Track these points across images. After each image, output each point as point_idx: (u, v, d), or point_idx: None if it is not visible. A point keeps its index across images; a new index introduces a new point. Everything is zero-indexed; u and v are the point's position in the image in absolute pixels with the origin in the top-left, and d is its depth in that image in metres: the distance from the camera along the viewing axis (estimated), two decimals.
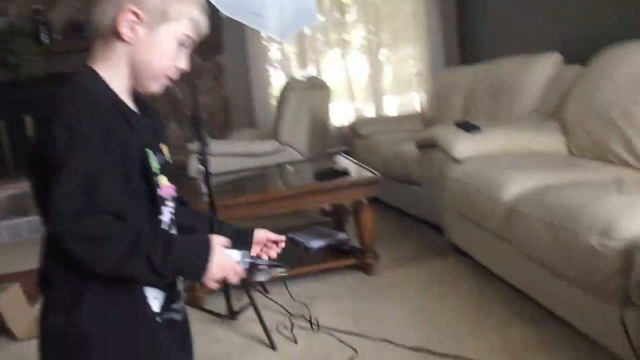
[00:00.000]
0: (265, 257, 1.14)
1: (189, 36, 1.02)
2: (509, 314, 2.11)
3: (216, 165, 3.59)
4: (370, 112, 5.03)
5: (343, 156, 3.29)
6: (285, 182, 2.73)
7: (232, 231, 1.14)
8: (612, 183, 1.85)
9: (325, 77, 4.78)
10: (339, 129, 4.92)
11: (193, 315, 2.44)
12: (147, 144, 0.99)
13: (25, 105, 4.69)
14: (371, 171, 2.64)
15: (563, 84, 2.92)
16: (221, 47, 4.97)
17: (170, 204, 1.06)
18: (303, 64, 4.95)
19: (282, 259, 1.14)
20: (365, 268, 2.63)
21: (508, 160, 2.40)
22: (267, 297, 2.55)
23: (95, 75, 0.97)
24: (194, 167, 3.32)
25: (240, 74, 4.95)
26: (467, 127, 2.60)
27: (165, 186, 1.02)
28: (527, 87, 3.09)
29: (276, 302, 2.46)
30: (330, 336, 2.11)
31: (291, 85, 4.10)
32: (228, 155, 3.79)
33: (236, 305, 2.33)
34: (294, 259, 2.78)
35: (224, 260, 0.99)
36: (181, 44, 1.02)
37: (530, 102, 3.06)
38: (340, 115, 5.02)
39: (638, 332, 1.47)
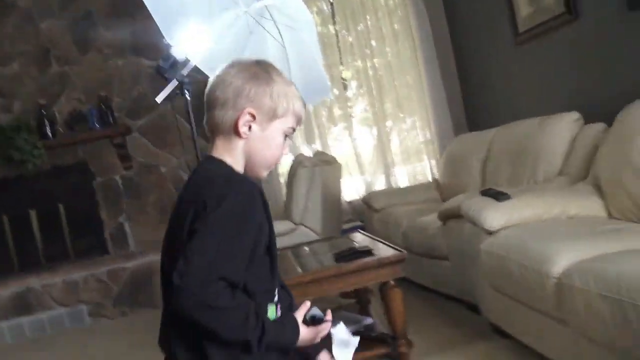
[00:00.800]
0: None
1: (293, 128, 1.21)
2: None
3: None
4: (380, 185, 4.89)
5: (361, 232, 3.11)
6: (303, 266, 2.53)
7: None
8: None
9: (332, 153, 4.68)
10: (350, 203, 4.77)
11: None
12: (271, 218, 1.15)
13: (30, 200, 4.60)
14: (394, 247, 2.44)
15: (587, 143, 2.78)
16: None
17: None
18: (309, 140, 4.87)
19: None
20: (399, 357, 2.37)
21: (546, 228, 2.21)
22: None
23: (223, 162, 1.16)
24: None
25: None
26: (495, 195, 2.42)
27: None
28: (549, 148, 2.94)
29: None
30: None
31: (300, 161, 3.98)
32: None
33: None
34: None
35: (307, 334, 1.14)
36: (286, 135, 1.20)
37: (555, 165, 2.90)
38: (350, 189, 4.88)
39: None
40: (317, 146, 4.84)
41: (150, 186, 4.79)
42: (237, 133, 1.16)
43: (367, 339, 2.50)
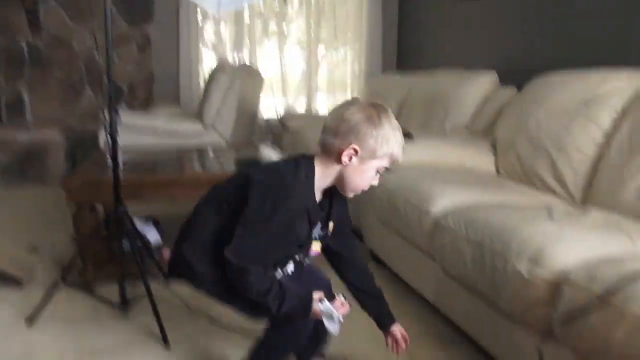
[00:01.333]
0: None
1: (386, 168, 1.40)
2: (420, 332, 2.03)
3: (131, 140, 3.31)
4: (300, 109, 4.88)
5: (268, 147, 3.11)
6: (204, 166, 2.52)
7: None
8: (542, 208, 1.81)
9: (259, 67, 4.58)
10: (268, 121, 4.74)
11: (80, 301, 2.19)
12: (316, 221, 1.42)
13: None
14: None
15: (497, 104, 2.92)
16: (151, 15, 4.64)
17: (307, 260, 1.51)
18: (238, 49, 4.72)
19: None
20: None
21: (438, 173, 2.34)
22: (167, 288, 2.32)
23: (312, 172, 1.37)
24: (103, 138, 3.01)
25: (169, 50, 4.65)
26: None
27: (314, 250, 1.48)
28: (462, 102, 3.07)
29: (177, 296, 2.24)
30: (232, 334, 1.93)
31: (223, 67, 3.87)
32: (146, 131, 3.51)
33: (130, 294, 2.09)
34: None
35: (316, 310, 1.40)
36: (378, 172, 1.40)
37: (464, 118, 3.04)
38: (270, 108, 4.83)
39: None
40: (245, 56, 4.71)
41: (59, 60, 4.47)
42: (339, 159, 1.35)
43: None
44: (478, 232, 1.69)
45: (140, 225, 2.62)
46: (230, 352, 1.78)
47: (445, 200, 1.99)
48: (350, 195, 1.43)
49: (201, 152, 2.87)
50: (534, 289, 1.43)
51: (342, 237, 1.58)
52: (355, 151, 1.33)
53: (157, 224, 2.76)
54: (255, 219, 1.31)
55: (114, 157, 1.94)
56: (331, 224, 1.49)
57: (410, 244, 2.20)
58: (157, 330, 1.90)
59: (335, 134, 1.34)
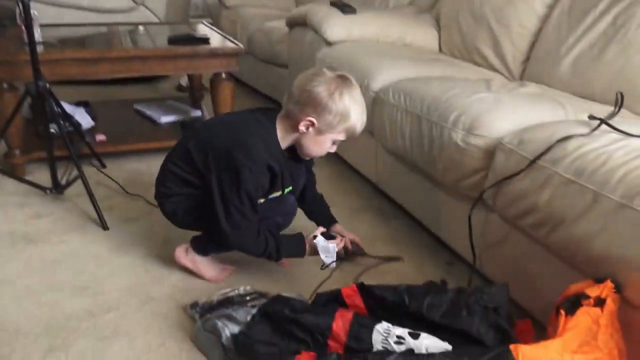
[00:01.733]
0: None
1: (343, 140, 1.45)
2: (360, 207, 2.08)
3: (53, 16, 3.03)
4: None
5: (204, 24, 2.93)
6: (134, 43, 2.34)
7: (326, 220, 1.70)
8: (481, 81, 1.80)
9: None
10: None
11: (10, 186, 2.10)
12: (289, 175, 1.50)
13: None
14: (232, 41, 2.35)
15: None
16: None
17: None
18: None
19: None
20: None
21: (379, 48, 2.27)
22: (102, 172, 2.25)
23: (274, 130, 1.42)
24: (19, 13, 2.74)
25: None
26: (342, 7, 2.39)
27: (287, 194, 1.55)
28: None
29: (112, 179, 2.18)
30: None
31: None
32: (69, 6, 3.22)
33: (63, 178, 2.01)
34: (140, 134, 2.49)
35: (311, 252, 1.54)
36: (334, 143, 1.45)
37: None
38: None
39: (481, 232, 1.49)
40: None
41: None
42: (296, 127, 1.39)
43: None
44: (417, 104, 1.68)
45: (70, 108, 2.48)
46: (171, 233, 1.77)
47: (385, 76, 1.95)
48: (306, 158, 1.50)
49: (131, 29, 2.67)
50: (468, 158, 1.46)
51: (307, 179, 1.67)
52: (312, 123, 1.37)
53: (87, 106, 2.62)
54: (229, 187, 1.36)
55: (28, 27, 1.76)
56: (302, 177, 1.60)
57: None
58: (94, 214, 1.86)
59: (296, 102, 1.38)
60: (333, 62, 2.20)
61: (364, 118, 1.43)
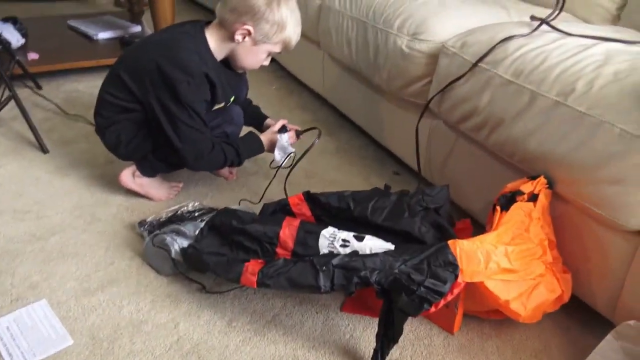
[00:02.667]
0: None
1: (278, 52, 1.42)
2: (307, 120, 2.07)
3: None
4: None
5: None
6: None
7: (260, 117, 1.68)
8: None
9: None
10: None
11: None
12: (228, 84, 1.45)
13: None
14: None
15: None
16: None
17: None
18: None
19: None
20: None
21: None
22: (37, 93, 2.14)
23: (206, 43, 1.37)
24: None
25: None
26: None
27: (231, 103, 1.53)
28: None
29: (49, 100, 2.08)
30: None
31: None
32: None
33: None
34: (76, 51, 2.35)
35: (267, 142, 1.52)
36: (269, 55, 1.42)
37: None
38: None
39: (427, 140, 1.50)
40: None
41: None
42: (232, 37, 1.35)
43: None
44: (362, 10, 1.64)
45: None
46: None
47: None
48: (239, 70, 1.46)
49: None
50: (413, 64, 1.45)
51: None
52: (249, 32, 1.34)
53: (16, 23, 2.44)
54: (174, 105, 1.33)
55: None
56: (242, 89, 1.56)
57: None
58: (32, 137, 1.78)
59: (232, 10, 1.33)
60: None
61: (299, 30, 1.40)
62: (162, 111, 1.35)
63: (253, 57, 1.40)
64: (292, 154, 1.51)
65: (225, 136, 1.51)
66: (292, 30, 1.37)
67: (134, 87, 1.38)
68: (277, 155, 1.51)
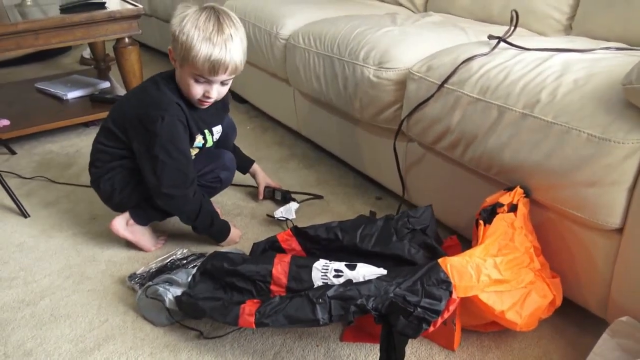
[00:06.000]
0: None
1: (202, 76, 1.33)
2: (284, 156, 2.09)
3: None
4: None
5: None
6: (23, 16, 2.18)
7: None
8: (387, 16, 1.82)
9: None
10: None
11: None
12: (206, 125, 1.49)
13: None
14: (132, 3, 2.24)
15: None
16: None
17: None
18: None
19: None
20: None
21: None
22: (12, 159, 2.13)
23: (172, 85, 1.40)
24: None
25: None
26: None
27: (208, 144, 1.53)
28: None
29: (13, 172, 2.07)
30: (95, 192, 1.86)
31: None
32: None
33: None
34: (47, 113, 2.35)
35: (231, 238, 1.56)
36: (196, 81, 1.34)
37: None
38: None
39: (404, 162, 1.54)
40: None
41: None
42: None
43: (104, 102, 2.40)
44: (327, 45, 1.69)
45: None
46: (96, 210, 1.71)
47: (293, 21, 1.93)
48: (194, 103, 1.41)
49: (17, 2, 2.47)
50: (382, 92, 1.49)
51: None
52: (170, 52, 1.36)
53: None
54: (153, 144, 1.35)
55: None
56: (219, 126, 1.56)
57: (265, 72, 2.16)
58: (11, 203, 1.76)
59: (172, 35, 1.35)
60: (239, 13, 2.15)
61: (216, 52, 1.28)
62: (143, 151, 1.38)
63: (184, 82, 1.36)
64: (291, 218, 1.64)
65: (219, 182, 1.54)
66: (204, 47, 1.28)
67: (121, 136, 1.44)
68: (279, 212, 1.62)
